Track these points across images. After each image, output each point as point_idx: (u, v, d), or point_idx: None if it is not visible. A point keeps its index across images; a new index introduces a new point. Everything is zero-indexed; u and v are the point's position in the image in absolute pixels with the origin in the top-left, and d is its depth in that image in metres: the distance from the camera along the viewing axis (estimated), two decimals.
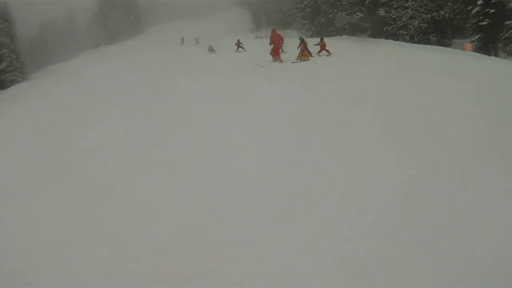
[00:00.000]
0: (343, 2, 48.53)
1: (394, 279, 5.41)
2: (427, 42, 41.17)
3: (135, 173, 9.96)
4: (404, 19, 42.49)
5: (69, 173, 10.49)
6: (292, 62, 21.90)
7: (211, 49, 31.87)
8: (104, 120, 14.81)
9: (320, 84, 15.65)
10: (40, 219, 8.24)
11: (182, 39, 58.49)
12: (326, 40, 25.90)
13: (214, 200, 8.09)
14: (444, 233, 6.16)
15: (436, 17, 41.61)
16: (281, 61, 22.35)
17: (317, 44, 24.13)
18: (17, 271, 6.53)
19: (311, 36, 50.39)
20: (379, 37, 42.57)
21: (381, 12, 43.57)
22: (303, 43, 25.53)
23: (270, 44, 23.42)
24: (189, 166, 9.85)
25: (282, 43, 23.63)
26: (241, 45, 32.96)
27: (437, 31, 43.14)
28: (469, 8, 35.74)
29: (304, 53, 23.01)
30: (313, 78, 17.03)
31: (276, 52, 22.83)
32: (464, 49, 29.44)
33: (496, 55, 32.98)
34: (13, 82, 53.51)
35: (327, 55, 22.69)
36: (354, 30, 46.75)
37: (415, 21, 41.78)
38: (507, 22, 33.39)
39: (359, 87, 14.67)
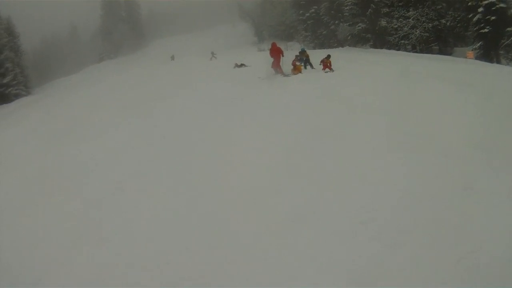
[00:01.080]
0: (345, 14, 48.74)
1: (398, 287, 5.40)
2: (429, 51, 41.30)
3: (137, 186, 9.83)
4: (405, 28, 42.68)
5: (72, 187, 10.38)
6: (284, 76, 21.88)
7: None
8: (106, 135, 14.72)
9: (322, 96, 15.51)
10: (40, 234, 8.18)
11: (173, 57, 60.19)
12: (327, 52, 25.77)
13: (217, 212, 7.96)
14: (447, 241, 6.10)
15: (438, 26, 41.78)
16: (282, 73, 22.37)
17: (322, 62, 23.84)
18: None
19: (314, 48, 50.48)
20: (381, 48, 42.77)
21: (383, 22, 43.80)
22: (303, 54, 25.65)
23: (271, 57, 23.41)
24: (191, 179, 9.68)
25: (283, 56, 23.59)
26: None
27: (439, 40, 43.30)
28: (470, 16, 35.94)
29: (297, 68, 23.17)
30: (315, 90, 16.91)
31: (277, 65, 22.87)
32: (466, 57, 29.45)
33: (498, 62, 33.07)
34: (17, 96, 53.96)
35: (326, 71, 22.39)
36: (356, 41, 46.95)
37: (417, 30, 41.95)
38: (508, 29, 33.53)
39: (362, 97, 14.49)
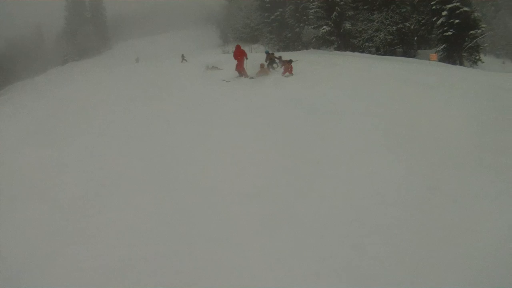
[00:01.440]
0: (310, 17, 48.92)
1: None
2: (392, 53, 41.76)
3: (115, 190, 9.43)
4: (370, 31, 43.02)
5: (49, 191, 9.86)
6: (249, 78, 21.69)
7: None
8: (79, 137, 13.98)
9: (290, 99, 15.16)
10: (22, 236, 7.89)
11: (137, 59, 60.84)
12: (291, 55, 25.58)
13: (200, 214, 7.88)
14: (441, 242, 6.32)
15: (402, 29, 42.22)
16: (246, 76, 22.18)
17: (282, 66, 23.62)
18: None
19: (278, 51, 50.53)
20: (345, 50, 42.96)
21: (347, 25, 44.01)
22: (268, 56, 25.47)
23: (235, 59, 23.24)
24: (170, 181, 9.47)
25: (246, 58, 23.44)
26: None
27: (403, 43, 43.78)
28: (434, 19, 36.50)
29: (264, 69, 23.04)
30: (283, 93, 16.66)
31: (241, 67, 22.72)
32: (429, 59, 29.85)
33: (461, 64, 33.62)
34: None
35: (286, 75, 22.15)
36: (320, 43, 47.03)
37: (381, 33, 42.35)
38: (471, 32, 34.12)
39: (327, 101, 14.39)
